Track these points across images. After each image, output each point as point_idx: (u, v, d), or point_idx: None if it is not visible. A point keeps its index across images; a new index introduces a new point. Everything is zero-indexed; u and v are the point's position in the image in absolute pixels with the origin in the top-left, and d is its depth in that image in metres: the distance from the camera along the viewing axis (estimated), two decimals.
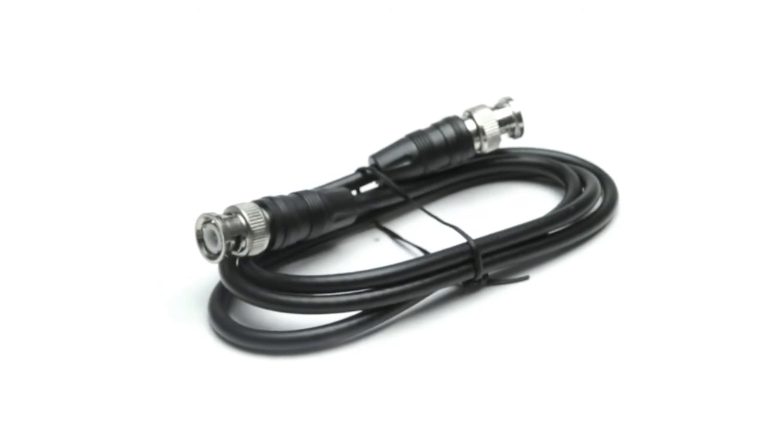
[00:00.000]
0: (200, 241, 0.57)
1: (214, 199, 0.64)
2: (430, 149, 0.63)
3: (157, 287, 0.60)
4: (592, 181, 0.63)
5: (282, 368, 0.55)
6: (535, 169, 0.65)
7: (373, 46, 0.80)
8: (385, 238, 0.63)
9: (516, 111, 0.64)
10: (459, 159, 0.64)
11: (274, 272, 0.58)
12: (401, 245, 0.62)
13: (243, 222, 0.56)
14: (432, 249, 0.60)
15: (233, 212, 0.57)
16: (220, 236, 0.56)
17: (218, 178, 0.68)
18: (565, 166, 0.64)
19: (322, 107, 0.74)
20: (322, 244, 0.62)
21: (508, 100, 0.64)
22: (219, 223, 0.56)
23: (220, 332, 0.57)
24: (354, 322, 0.56)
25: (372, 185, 0.63)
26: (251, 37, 0.81)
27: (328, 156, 0.68)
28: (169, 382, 0.55)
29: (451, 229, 0.60)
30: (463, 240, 0.58)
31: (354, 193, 0.62)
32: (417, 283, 0.56)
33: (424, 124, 0.64)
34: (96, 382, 0.54)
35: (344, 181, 0.62)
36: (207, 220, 0.56)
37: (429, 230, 0.62)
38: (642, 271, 0.59)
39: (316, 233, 0.59)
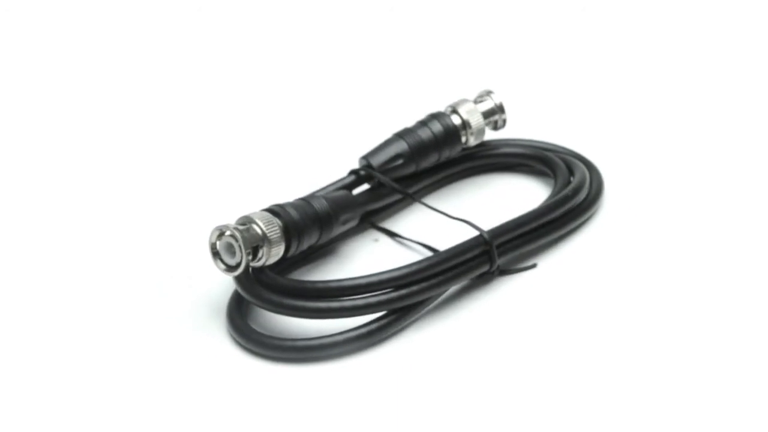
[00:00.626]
0: (215, 254, 0.56)
1: (199, 199, 0.66)
2: (421, 146, 0.63)
3: (157, 288, 0.59)
4: (579, 167, 0.63)
5: (311, 375, 0.55)
6: (521, 160, 0.66)
7: (344, 44, 0.80)
8: (383, 238, 0.62)
9: (498, 102, 0.65)
10: (447, 154, 0.64)
11: (292, 279, 0.57)
12: (401, 243, 0.62)
13: (259, 231, 0.55)
14: (431, 244, 0.60)
15: (247, 222, 0.56)
16: (240, 247, 0.55)
17: (201, 181, 0.67)
18: (551, 155, 0.65)
19: (296, 109, 0.74)
20: (323, 249, 0.61)
21: (489, 92, 0.65)
22: (238, 234, 0.55)
23: (247, 345, 0.56)
24: (383, 322, 0.56)
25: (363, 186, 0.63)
26: (227, 40, 0.80)
27: (303, 159, 0.68)
28: (195, 393, 0.54)
29: (448, 222, 0.61)
30: (474, 233, 0.58)
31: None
32: (439, 278, 0.57)
33: (402, 121, 0.64)
34: (117, 391, 0.54)
35: (339, 184, 0.62)
36: (222, 233, 0.55)
37: (424, 226, 0.63)
38: (638, 251, 0.60)
39: (325, 237, 0.59)
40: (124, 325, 0.57)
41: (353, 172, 0.62)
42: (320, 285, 0.56)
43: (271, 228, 0.56)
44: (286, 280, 0.56)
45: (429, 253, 0.60)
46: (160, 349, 0.56)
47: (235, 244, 0.55)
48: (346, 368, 0.55)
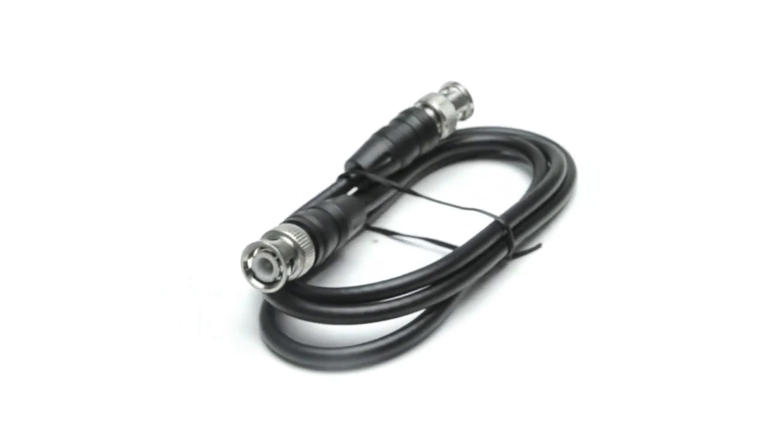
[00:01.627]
0: (249, 272, 0.54)
1: (188, 200, 0.65)
2: (404, 142, 0.63)
3: (157, 288, 0.59)
4: (554, 150, 0.64)
5: (355, 380, 0.54)
6: (494, 147, 0.66)
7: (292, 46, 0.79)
8: (382, 238, 0.62)
9: (465, 92, 0.65)
10: (426, 148, 0.64)
11: (326, 288, 0.56)
12: (401, 240, 0.62)
13: (291, 243, 0.54)
14: (428, 236, 0.61)
15: (276, 236, 0.55)
16: (279, 261, 0.54)
17: (187, 182, 0.67)
18: (522, 140, 0.65)
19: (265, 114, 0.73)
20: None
21: (454, 83, 0.65)
22: (276, 249, 0.54)
23: (291, 358, 0.55)
24: (423, 320, 0.56)
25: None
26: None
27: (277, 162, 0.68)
28: (239, 404, 0.53)
29: (435, 213, 0.62)
30: (480, 220, 0.59)
31: None
32: (469, 269, 0.57)
33: (365, 121, 0.65)
34: (155, 400, 0.53)
35: (333, 189, 0.61)
36: (253, 250, 0.54)
37: (414, 220, 0.63)
38: (620, 224, 0.62)
39: (343, 243, 0.58)
40: (148, 331, 0.57)
41: (344, 176, 0.62)
42: (366, 288, 0.55)
43: (302, 238, 0.55)
44: (321, 289, 0.55)
45: (431, 246, 0.61)
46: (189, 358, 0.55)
47: (272, 260, 0.54)
48: (389, 373, 0.55)
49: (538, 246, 0.61)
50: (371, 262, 0.61)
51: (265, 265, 0.54)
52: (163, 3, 0.82)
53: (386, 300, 0.55)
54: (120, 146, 0.69)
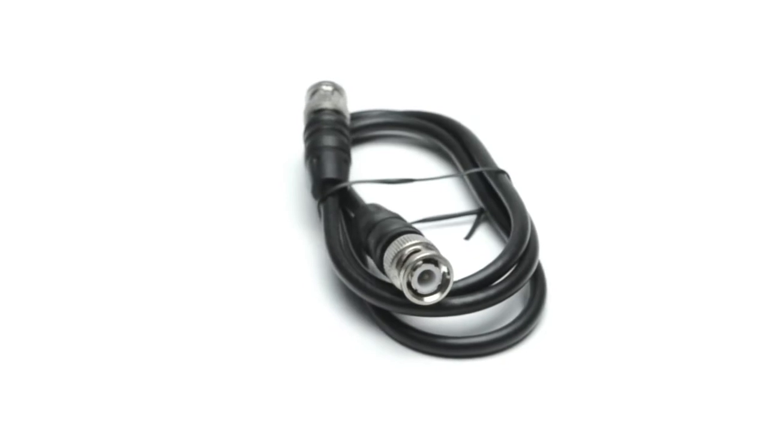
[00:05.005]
0: (415, 293, 0.52)
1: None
2: (341, 144, 0.61)
3: (159, 288, 0.58)
4: (456, 123, 0.65)
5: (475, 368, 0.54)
6: (387, 129, 0.66)
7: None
8: None
9: (335, 85, 0.64)
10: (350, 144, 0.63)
11: None
12: None
13: (427, 246, 0.53)
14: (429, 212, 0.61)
15: (412, 249, 0.52)
16: (438, 263, 0.52)
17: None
18: (417, 120, 0.66)
19: None
20: None
21: (320, 82, 0.64)
22: (431, 254, 0.52)
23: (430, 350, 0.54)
24: (538, 296, 0.56)
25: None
26: None
27: None
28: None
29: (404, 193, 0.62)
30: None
31: None
32: (533, 230, 0.57)
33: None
34: (151, 402, 0.53)
35: (332, 210, 0.58)
36: (411, 269, 0.52)
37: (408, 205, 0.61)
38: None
39: None
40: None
41: (328, 195, 0.59)
42: (480, 275, 0.54)
43: (425, 240, 0.53)
44: None
45: (430, 225, 0.60)
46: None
47: (432, 267, 0.52)
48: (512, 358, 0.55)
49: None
50: None
51: (423, 277, 0.52)
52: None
53: (500, 281, 0.54)
54: (118, 147, 0.67)
